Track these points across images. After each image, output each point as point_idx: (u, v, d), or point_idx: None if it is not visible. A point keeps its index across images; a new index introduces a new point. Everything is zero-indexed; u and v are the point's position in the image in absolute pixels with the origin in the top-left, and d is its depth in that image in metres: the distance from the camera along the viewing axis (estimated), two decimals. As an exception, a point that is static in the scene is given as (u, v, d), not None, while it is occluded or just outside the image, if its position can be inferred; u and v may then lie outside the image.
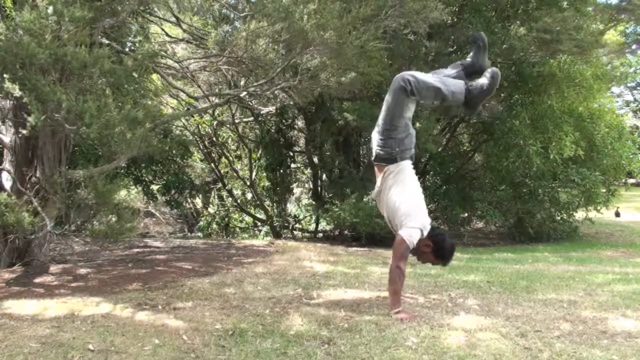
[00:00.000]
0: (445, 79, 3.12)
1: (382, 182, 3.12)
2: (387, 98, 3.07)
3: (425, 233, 3.02)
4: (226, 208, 10.85)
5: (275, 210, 9.93)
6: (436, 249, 3.08)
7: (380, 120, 3.11)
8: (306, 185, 11.16)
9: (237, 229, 10.67)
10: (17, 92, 2.90)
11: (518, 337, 2.51)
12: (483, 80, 3.07)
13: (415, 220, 2.98)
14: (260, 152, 9.89)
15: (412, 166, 3.18)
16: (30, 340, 2.42)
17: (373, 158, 3.20)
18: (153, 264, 4.79)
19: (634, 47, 13.08)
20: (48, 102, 2.91)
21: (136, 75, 3.61)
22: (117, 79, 3.27)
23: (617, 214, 12.32)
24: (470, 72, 3.22)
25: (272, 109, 8.82)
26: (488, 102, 8.84)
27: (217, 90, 7.92)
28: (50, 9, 2.90)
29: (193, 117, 9.28)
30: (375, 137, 3.14)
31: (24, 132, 3.62)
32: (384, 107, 3.09)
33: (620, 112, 18.62)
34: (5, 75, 2.89)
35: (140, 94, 3.66)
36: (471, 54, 3.27)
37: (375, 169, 3.23)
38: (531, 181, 9.10)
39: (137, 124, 3.25)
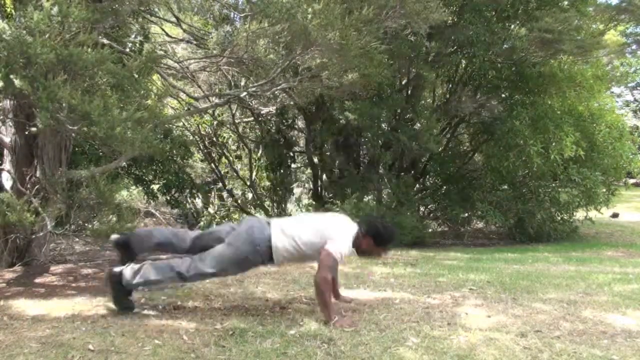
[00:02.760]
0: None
1: (299, 256, 2.97)
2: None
3: (352, 237, 2.91)
4: (226, 208, 10.86)
5: (275, 210, 9.94)
6: (376, 239, 2.96)
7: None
8: (306, 185, 11.17)
9: (237, 229, 10.66)
10: (27, 91, 2.90)
11: (518, 337, 2.52)
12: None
13: (335, 235, 2.86)
14: (260, 152, 9.90)
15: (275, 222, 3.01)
16: (30, 340, 2.42)
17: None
18: (153, 264, 4.79)
19: (634, 47, 13.07)
20: (54, 101, 2.91)
21: (138, 77, 3.62)
22: (119, 80, 3.28)
23: (615, 215, 12.34)
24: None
25: (272, 109, 8.83)
26: (488, 102, 8.86)
27: (217, 91, 7.93)
28: (55, 9, 2.90)
29: (193, 117, 9.28)
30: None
31: (33, 130, 3.62)
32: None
33: (620, 112, 18.61)
34: (11, 76, 2.89)
35: (142, 94, 3.66)
36: None
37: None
38: (531, 181, 9.10)
39: (140, 124, 3.26)
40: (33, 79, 2.85)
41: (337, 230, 2.88)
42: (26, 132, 4.07)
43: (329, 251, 2.77)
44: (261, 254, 2.87)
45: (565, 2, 8.31)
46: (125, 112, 3.05)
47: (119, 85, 3.32)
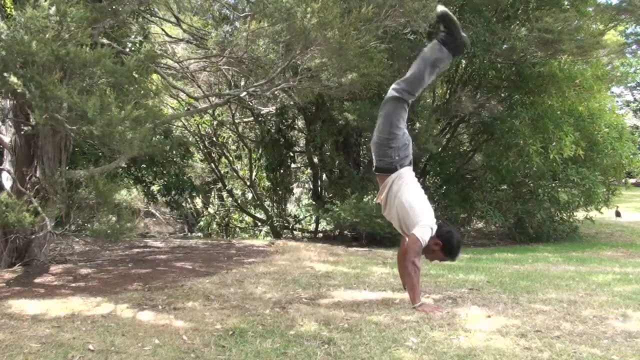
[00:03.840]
0: (421, 56, 3.21)
1: (385, 191, 3.21)
2: (384, 109, 3.16)
3: (434, 231, 3.10)
4: (226, 208, 10.86)
5: (275, 210, 9.94)
6: (445, 247, 3.15)
7: (377, 132, 3.20)
8: (306, 185, 11.17)
9: (237, 229, 10.68)
10: (21, 89, 2.91)
11: (518, 337, 2.51)
12: (442, 26, 3.15)
13: (426, 220, 3.07)
14: (260, 152, 9.90)
15: (412, 170, 3.26)
16: (30, 340, 2.42)
17: (374, 169, 3.29)
18: (153, 264, 4.80)
19: (634, 47, 13.06)
20: (51, 100, 2.91)
21: (137, 76, 3.62)
22: (118, 79, 3.28)
23: (618, 214, 12.30)
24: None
25: (272, 109, 8.83)
26: (488, 102, 8.86)
27: (217, 90, 7.93)
28: (53, 9, 2.90)
29: (193, 117, 9.28)
30: (374, 148, 3.24)
31: (27, 129, 3.62)
32: (380, 118, 3.18)
33: (620, 112, 18.62)
34: (5, 74, 2.89)
35: (141, 94, 3.66)
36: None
37: (377, 179, 3.33)
38: (531, 181, 9.11)
39: (139, 124, 3.26)
40: (28, 77, 2.85)
41: (425, 218, 3.07)
42: (22, 132, 4.06)
43: (417, 237, 2.98)
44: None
45: (565, 2, 8.31)
46: (123, 112, 3.05)
47: (117, 84, 3.33)
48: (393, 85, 3.15)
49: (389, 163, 3.15)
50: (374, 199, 3.46)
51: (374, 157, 3.26)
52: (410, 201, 3.11)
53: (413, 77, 3.14)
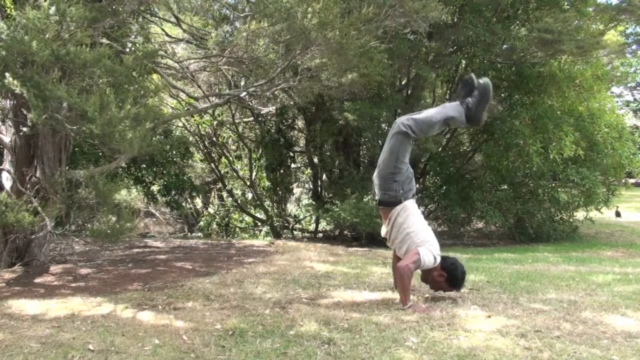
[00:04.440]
0: (442, 106, 3.37)
1: (390, 224, 3.28)
2: (390, 142, 3.23)
3: (438, 261, 3.18)
4: (226, 208, 10.85)
5: (275, 210, 9.94)
6: (450, 279, 3.24)
7: (382, 164, 3.26)
8: (306, 185, 11.16)
9: (237, 229, 10.67)
10: (18, 89, 2.91)
11: (518, 337, 2.51)
12: (476, 94, 3.23)
13: (432, 245, 3.16)
14: (260, 152, 9.89)
15: (415, 203, 3.34)
16: (30, 340, 2.42)
17: (377, 203, 3.38)
18: (153, 264, 4.80)
19: (634, 47, 13.06)
20: (50, 100, 2.91)
21: (136, 75, 3.62)
22: (117, 78, 3.28)
23: (618, 214, 12.30)
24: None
25: (272, 109, 8.83)
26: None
27: (217, 90, 7.93)
28: (53, 9, 2.90)
29: (193, 117, 9.28)
30: (378, 181, 3.29)
31: (25, 129, 3.62)
32: (386, 151, 3.25)
33: (620, 112, 18.61)
34: (6, 74, 2.90)
35: (141, 93, 3.66)
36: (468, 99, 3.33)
37: (381, 212, 3.43)
38: (531, 181, 9.10)
39: (138, 123, 3.26)
40: (27, 77, 2.85)
41: (430, 243, 3.17)
42: (20, 133, 4.06)
43: (419, 251, 3.09)
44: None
45: (565, 3, 8.31)
46: (123, 111, 3.05)
47: (117, 84, 3.33)
48: (402, 120, 3.21)
49: (393, 197, 3.23)
50: (380, 231, 3.50)
51: (377, 191, 3.33)
52: (417, 230, 3.20)
53: (425, 120, 3.22)
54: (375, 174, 3.32)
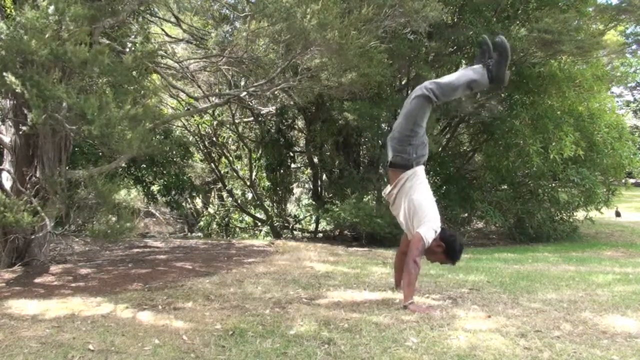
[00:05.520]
0: (464, 70, 3.31)
1: (398, 187, 3.23)
2: (408, 106, 3.18)
3: (438, 233, 3.15)
4: (226, 208, 10.85)
5: (275, 210, 9.94)
6: (447, 250, 3.22)
7: (398, 127, 3.21)
8: (306, 185, 11.16)
9: (237, 229, 10.67)
10: (19, 89, 2.91)
11: (518, 337, 2.51)
12: (494, 54, 3.19)
13: (431, 221, 3.12)
14: (260, 152, 9.89)
15: (424, 170, 3.30)
16: (30, 340, 2.42)
17: (389, 164, 3.31)
18: (153, 264, 4.79)
19: (634, 47, 13.06)
20: (49, 100, 2.91)
21: (135, 75, 3.62)
22: (116, 78, 3.28)
23: (618, 214, 12.30)
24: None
25: (272, 109, 8.83)
26: (488, 102, 8.85)
27: (217, 90, 7.93)
28: (52, 8, 2.90)
29: (193, 117, 9.28)
30: (392, 143, 3.24)
31: (24, 129, 3.62)
32: (403, 115, 3.21)
33: (620, 112, 18.62)
34: (5, 73, 2.89)
35: (140, 93, 3.66)
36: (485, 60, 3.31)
37: (390, 173, 3.35)
38: (531, 181, 9.10)
39: (137, 122, 3.26)
40: (27, 77, 2.85)
41: (432, 220, 3.13)
42: (19, 132, 4.06)
43: (421, 235, 3.06)
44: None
45: (565, 3, 8.30)
46: (122, 111, 3.05)
47: (116, 83, 3.32)
48: (425, 84, 3.16)
49: (406, 160, 3.18)
50: (382, 192, 3.47)
51: (389, 152, 3.27)
52: (421, 200, 3.16)
53: (448, 84, 3.18)
54: (390, 136, 3.27)
